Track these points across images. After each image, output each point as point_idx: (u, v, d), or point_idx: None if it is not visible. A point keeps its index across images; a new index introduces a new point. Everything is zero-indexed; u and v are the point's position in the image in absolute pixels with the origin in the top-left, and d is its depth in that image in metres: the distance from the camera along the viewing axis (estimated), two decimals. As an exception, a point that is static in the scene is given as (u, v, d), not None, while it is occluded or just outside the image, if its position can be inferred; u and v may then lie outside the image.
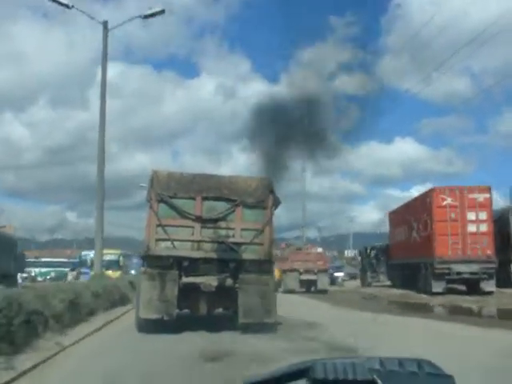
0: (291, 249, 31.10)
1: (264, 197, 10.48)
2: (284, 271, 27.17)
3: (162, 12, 19.35)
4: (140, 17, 19.42)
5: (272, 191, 10.58)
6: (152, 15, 19.24)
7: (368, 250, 31.11)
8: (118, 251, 37.87)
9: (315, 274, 26.86)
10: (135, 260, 36.66)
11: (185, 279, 10.40)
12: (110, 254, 31.96)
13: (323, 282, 27.33)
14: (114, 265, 32.59)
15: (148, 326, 10.03)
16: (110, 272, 26.62)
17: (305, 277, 26.87)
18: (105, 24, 19.14)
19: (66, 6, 18.83)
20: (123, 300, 16.70)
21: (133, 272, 35.46)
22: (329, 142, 13.59)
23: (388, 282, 26.87)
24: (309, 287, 27.39)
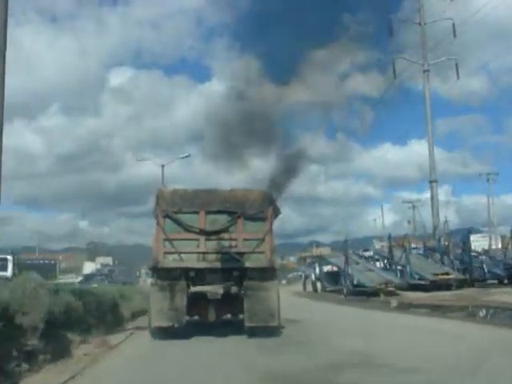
0: None
1: (263, 208, 11.15)
2: None
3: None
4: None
5: (271, 202, 11.25)
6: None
7: None
8: None
9: None
10: None
11: (193, 289, 11.11)
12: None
13: None
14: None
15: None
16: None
17: None
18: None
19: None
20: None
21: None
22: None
23: None
24: None
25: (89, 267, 60.23)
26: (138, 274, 57.13)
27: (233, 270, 11.14)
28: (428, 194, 35.72)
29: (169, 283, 10.80)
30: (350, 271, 25.11)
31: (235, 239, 11.05)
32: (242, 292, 11.06)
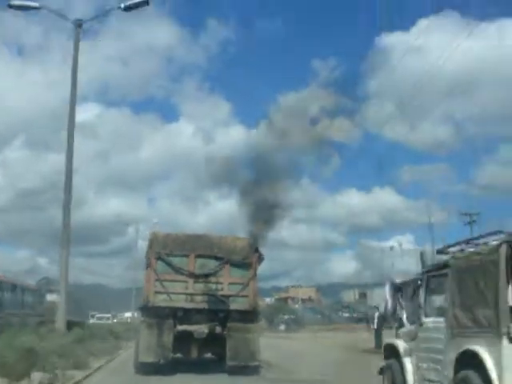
0: None
1: (249, 255, 12.14)
2: None
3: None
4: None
5: (256, 250, 12.24)
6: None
7: None
8: None
9: None
10: None
11: (179, 327, 11.86)
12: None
13: None
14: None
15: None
16: None
17: None
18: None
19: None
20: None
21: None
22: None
23: None
24: None
25: None
26: None
27: (218, 311, 11.99)
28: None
29: (157, 321, 11.54)
30: None
31: (221, 283, 11.96)
32: (225, 332, 11.86)
